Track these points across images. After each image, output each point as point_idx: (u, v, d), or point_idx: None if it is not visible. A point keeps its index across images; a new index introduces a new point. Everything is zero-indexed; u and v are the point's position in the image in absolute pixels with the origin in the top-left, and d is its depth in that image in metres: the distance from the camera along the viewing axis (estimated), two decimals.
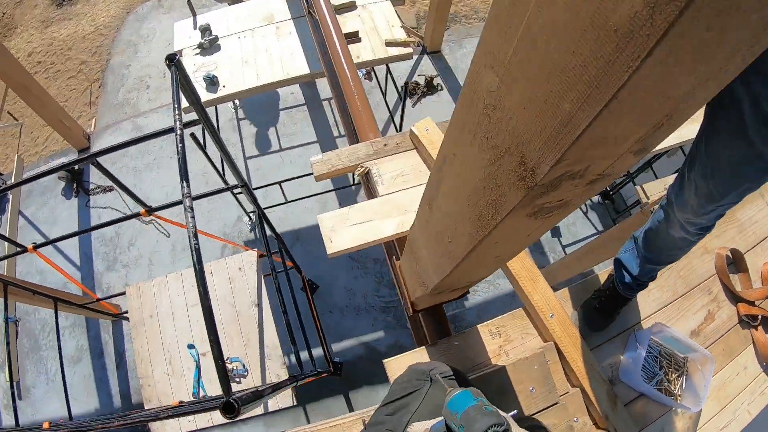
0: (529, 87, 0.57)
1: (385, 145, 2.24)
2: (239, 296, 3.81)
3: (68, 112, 6.74)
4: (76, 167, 6.51)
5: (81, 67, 8.12)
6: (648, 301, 2.39)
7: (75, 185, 6.47)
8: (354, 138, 2.88)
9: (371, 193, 2.34)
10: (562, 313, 2.14)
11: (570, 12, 0.45)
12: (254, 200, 2.96)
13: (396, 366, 2.02)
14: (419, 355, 2.00)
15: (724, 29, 0.38)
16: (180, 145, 1.79)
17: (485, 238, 0.87)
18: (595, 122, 0.49)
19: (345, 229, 1.90)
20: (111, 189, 6.37)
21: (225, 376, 1.54)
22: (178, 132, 1.82)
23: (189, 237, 1.63)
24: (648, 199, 3.12)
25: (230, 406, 1.47)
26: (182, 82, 2.07)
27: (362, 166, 2.17)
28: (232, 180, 3.15)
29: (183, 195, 1.70)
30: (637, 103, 0.47)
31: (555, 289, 2.31)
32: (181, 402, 3.16)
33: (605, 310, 2.27)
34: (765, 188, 2.72)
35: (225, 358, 3.66)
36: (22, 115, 7.39)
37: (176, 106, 2.00)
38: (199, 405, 2.37)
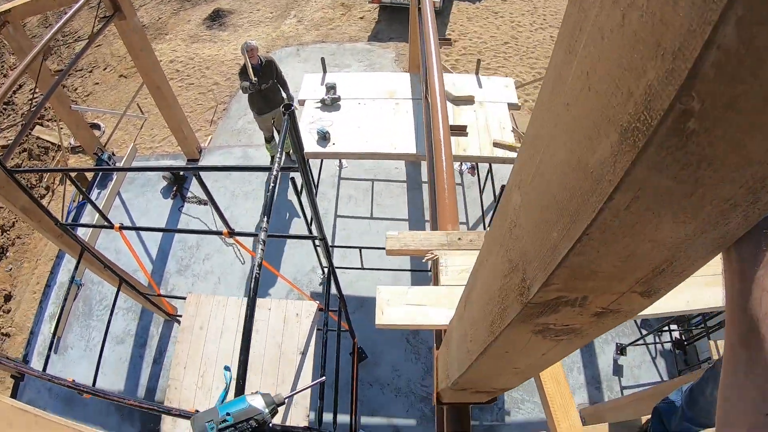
0: (536, 212, 0.61)
1: (459, 239, 2.29)
2: (288, 339, 3.90)
3: (189, 123, 7.35)
4: (181, 173, 6.99)
5: (213, 87, 8.85)
6: None
7: (175, 189, 6.95)
8: (435, 224, 2.99)
9: (435, 280, 2.43)
10: None
11: (567, 150, 0.49)
12: (328, 256, 3.12)
13: None
14: None
15: (700, 182, 0.38)
16: (272, 185, 1.97)
17: (493, 344, 0.89)
18: (572, 253, 0.51)
19: (399, 306, 1.99)
20: (205, 203, 6.76)
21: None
22: (275, 172, 2.01)
23: (253, 266, 1.79)
24: (720, 357, 2.89)
25: None
26: (292, 129, 2.31)
27: (432, 253, 2.24)
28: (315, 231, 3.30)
29: (261, 228, 1.89)
30: (614, 243, 0.48)
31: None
32: (197, 411, 3.27)
33: None
34: None
35: (253, 392, 3.78)
36: (149, 111, 8.03)
37: (281, 149, 2.23)
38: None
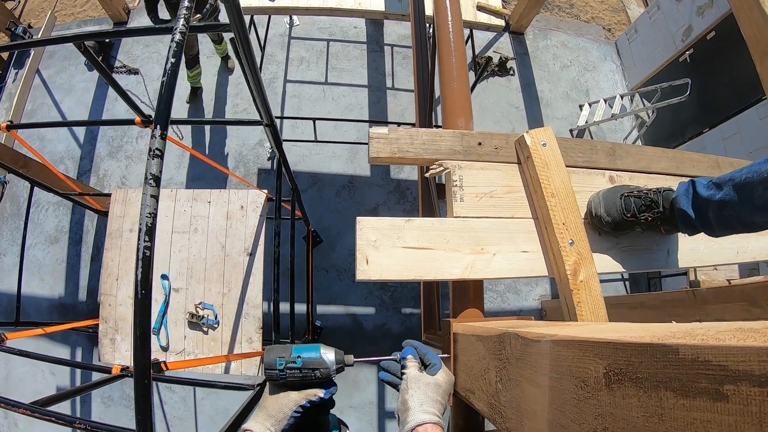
0: None
1: (480, 144, 1.55)
2: (233, 238, 3.35)
3: None
4: (107, 40, 6.03)
5: None
6: None
7: (101, 58, 5.96)
8: (426, 117, 2.21)
9: (431, 206, 1.69)
10: None
11: None
12: (278, 143, 2.43)
13: None
14: None
15: None
16: (172, 60, 1.16)
17: None
18: None
19: (392, 250, 1.27)
20: (136, 72, 5.90)
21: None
22: (178, 34, 1.19)
23: (143, 205, 1.03)
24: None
25: None
26: None
27: (441, 165, 1.51)
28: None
29: (152, 143, 1.09)
30: None
31: None
32: (123, 368, 2.69)
33: None
34: None
35: (197, 303, 3.23)
36: None
37: None
38: None
